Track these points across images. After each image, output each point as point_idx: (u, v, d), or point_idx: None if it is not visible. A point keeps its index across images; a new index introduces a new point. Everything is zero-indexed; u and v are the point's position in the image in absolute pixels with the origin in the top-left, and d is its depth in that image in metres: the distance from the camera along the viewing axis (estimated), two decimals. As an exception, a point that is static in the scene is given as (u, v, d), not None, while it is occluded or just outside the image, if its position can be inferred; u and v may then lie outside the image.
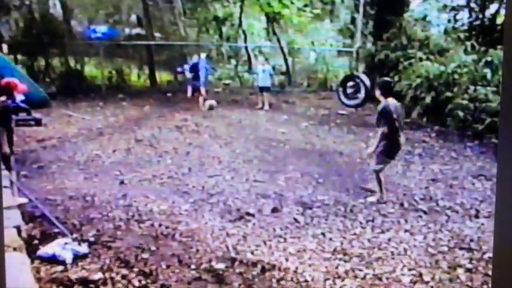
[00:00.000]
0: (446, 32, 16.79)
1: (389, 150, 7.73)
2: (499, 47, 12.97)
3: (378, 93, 7.71)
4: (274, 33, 22.37)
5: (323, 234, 6.62)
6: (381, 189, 7.80)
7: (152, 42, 20.76)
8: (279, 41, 22.05)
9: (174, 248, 5.97)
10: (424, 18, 17.44)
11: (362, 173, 9.29)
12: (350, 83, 15.08)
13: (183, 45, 21.58)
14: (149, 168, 9.29)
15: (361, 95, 14.75)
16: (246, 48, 22.96)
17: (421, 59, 13.76)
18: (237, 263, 5.64)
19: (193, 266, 5.50)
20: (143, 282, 5.11)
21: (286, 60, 21.94)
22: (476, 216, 7.29)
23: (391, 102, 7.54)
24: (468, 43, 14.00)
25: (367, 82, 14.84)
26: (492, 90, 11.25)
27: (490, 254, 6.07)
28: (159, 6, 22.83)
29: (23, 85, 7.61)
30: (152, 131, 12.06)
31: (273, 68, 17.11)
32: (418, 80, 12.81)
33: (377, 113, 7.78)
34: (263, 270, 5.49)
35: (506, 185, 2.28)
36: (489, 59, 12.15)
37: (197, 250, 5.94)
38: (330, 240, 6.45)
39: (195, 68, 15.47)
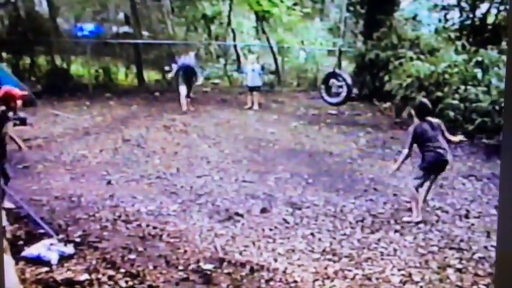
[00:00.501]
0: (436, 31, 16.86)
1: (423, 164, 7.37)
2: (490, 47, 13.07)
3: (413, 113, 7.64)
4: (264, 32, 22.37)
5: (312, 234, 6.65)
6: (416, 207, 7.28)
7: (140, 41, 20.70)
8: (268, 40, 22.06)
9: (161, 249, 5.98)
10: (414, 17, 17.53)
11: (352, 173, 9.33)
12: (332, 81, 15.25)
13: (171, 44, 21.54)
14: (137, 169, 9.28)
15: (343, 93, 14.90)
16: (235, 47, 22.95)
17: (411, 59, 13.81)
18: (225, 263, 5.66)
19: (181, 267, 5.52)
20: (130, 283, 5.12)
21: (275, 60, 21.95)
22: (466, 217, 7.35)
23: (423, 123, 7.29)
24: (459, 43, 14.07)
25: (349, 80, 14.98)
26: (482, 90, 11.32)
27: (480, 254, 6.14)
28: (147, 4, 22.76)
29: (23, 92, 7.40)
30: (140, 130, 12.03)
31: (262, 67, 17.10)
32: (409, 80, 12.85)
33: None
34: (252, 270, 5.51)
35: (509, 187, 2.29)
36: (480, 59, 12.22)
37: (185, 251, 5.96)
38: (319, 240, 6.49)
39: (185, 71, 15.24)
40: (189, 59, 15.65)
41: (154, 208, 7.32)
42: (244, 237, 6.48)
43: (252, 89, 15.66)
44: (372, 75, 15.64)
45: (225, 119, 13.73)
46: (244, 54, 22.44)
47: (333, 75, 15.49)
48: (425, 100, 8.09)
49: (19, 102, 6.96)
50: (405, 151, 7.31)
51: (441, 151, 7.13)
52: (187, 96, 14.82)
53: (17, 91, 7.15)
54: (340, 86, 14.94)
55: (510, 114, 2.26)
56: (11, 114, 6.88)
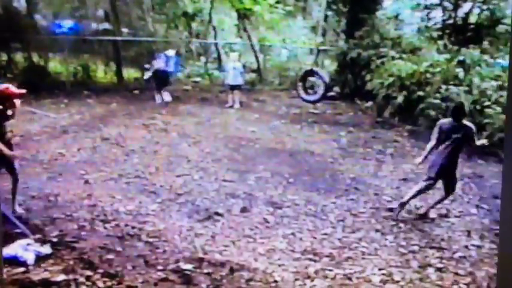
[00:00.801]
0: (419, 30, 17.00)
1: (431, 166, 7.42)
2: (472, 46, 13.21)
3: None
4: (245, 30, 22.36)
5: (293, 234, 6.67)
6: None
7: (119, 38, 20.56)
8: (250, 38, 22.05)
9: (140, 249, 5.96)
10: (397, 16, 17.64)
11: (333, 172, 9.36)
12: (309, 79, 15.39)
13: (151, 41, 21.44)
14: (115, 168, 9.22)
15: (320, 90, 15.03)
16: (216, 45, 22.93)
17: (393, 58, 13.92)
18: (205, 263, 5.66)
19: (160, 267, 5.51)
20: (108, 283, 5.10)
21: (257, 58, 21.95)
22: (447, 216, 7.43)
23: (449, 121, 7.31)
24: (441, 42, 14.21)
25: (326, 78, 15.09)
26: (464, 89, 11.42)
27: (461, 253, 6.22)
28: (127, 0, 22.64)
29: (20, 90, 7.14)
30: (119, 129, 11.97)
31: (244, 65, 17.10)
32: (390, 79, 12.95)
33: None
34: (232, 270, 5.52)
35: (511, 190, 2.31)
36: (461, 58, 12.35)
37: (164, 251, 5.94)
38: (300, 240, 6.51)
39: (159, 77, 15.13)
40: (162, 62, 15.45)
41: (133, 208, 7.29)
42: (224, 237, 6.48)
43: (233, 87, 15.66)
44: (354, 74, 15.74)
45: (206, 118, 13.71)
46: (225, 53, 22.43)
47: (310, 73, 15.63)
48: (461, 102, 8.04)
49: (17, 102, 6.75)
50: (431, 142, 7.37)
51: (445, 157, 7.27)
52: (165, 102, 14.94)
53: (14, 89, 6.84)
54: (317, 84, 15.08)
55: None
56: (9, 112, 6.70)
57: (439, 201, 7.49)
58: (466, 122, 7.22)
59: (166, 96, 15.26)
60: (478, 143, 7.36)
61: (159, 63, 15.34)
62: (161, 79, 15.14)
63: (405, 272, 5.70)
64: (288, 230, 6.77)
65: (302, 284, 5.35)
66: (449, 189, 7.36)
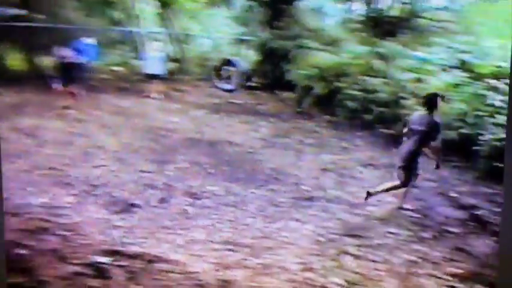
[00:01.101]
0: (340, 22, 17.29)
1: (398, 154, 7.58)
2: (391, 39, 13.56)
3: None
4: (167, 19, 22.09)
5: (213, 225, 6.67)
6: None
7: (34, 24, 19.89)
8: (171, 27, 21.81)
9: (54, 243, 5.80)
10: (318, 8, 17.86)
11: (253, 162, 9.42)
12: (225, 68, 15.48)
13: (67, 28, 20.84)
14: (28, 159, 8.92)
15: (235, 79, 15.15)
16: (137, 33, 22.55)
17: (314, 49, 14.11)
18: (122, 256, 5.57)
19: (75, 261, 5.37)
20: (20, 279, 4.93)
21: (178, 47, 21.75)
22: (365, 205, 7.62)
23: (421, 112, 7.39)
24: (361, 34, 14.51)
25: (242, 67, 15.21)
26: (383, 81, 11.71)
27: (378, 241, 6.40)
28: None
29: None
30: (31, 119, 11.58)
31: (164, 55, 16.89)
32: (310, 70, 13.13)
33: None
34: (150, 262, 5.46)
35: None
36: (381, 50, 12.65)
37: (80, 244, 5.81)
38: (219, 231, 6.52)
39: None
40: (69, 51, 14.74)
41: (46, 200, 7.08)
42: (142, 229, 6.40)
43: (153, 76, 15.46)
44: (274, 64, 15.84)
45: (124, 107, 13.47)
46: (146, 41, 22.10)
47: (227, 62, 15.73)
48: (437, 92, 7.83)
49: None
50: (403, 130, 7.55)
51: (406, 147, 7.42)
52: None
53: None
54: (233, 74, 15.19)
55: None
56: None
57: (408, 191, 7.64)
58: (436, 117, 7.21)
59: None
60: (433, 144, 7.34)
61: (65, 52, 14.56)
62: (67, 70, 14.35)
63: (323, 260, 5.81)
64: (208, 221, 6.77)
65: (222, 275, 5.36)
66: (406, 179, 7.46)
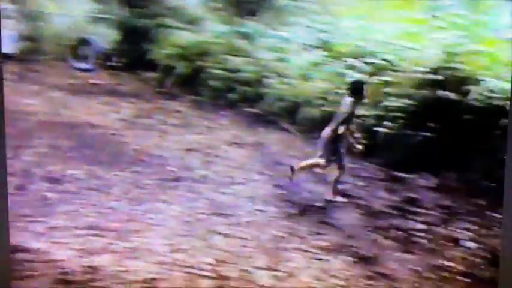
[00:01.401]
0: (201, 1, 17.22)
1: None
2: (253, 17, 13.73)
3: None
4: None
5: (76, 210, 6.49)
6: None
7: None
8: (23, 4, 20.68)
9: None
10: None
11: (116, 144, 9.22)
12: (82, 47, 15.03)
13: None
14: None
15: (93, 59, 14.77)
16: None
17: (175, 28, 13.99)
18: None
19: None
20: None
21: (32, 26, 20.70)
22: (232, 183, 7.74)
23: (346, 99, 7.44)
24: (224, 13, 14.56)
25: (100, 47, 14.84)
26: (245, 60, 11.85)
27: (247, 219, 6.55)
28: None
29: None
30: None
31: (16, 33, 15.99)
32: (172, 49, 13.01)
33: None
34: (11, 253, 5.22)
35: None
36: (243, 29, 12.78)
37: None
38: (83, 216, 6.35)
39: None
40: None
41: None
42: (-2, 218, 6.09)
43: (5, 56, 14.60)
44: (135, 43, 15.54)
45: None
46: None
47: (84, 41, 15.23)
48: (361, 79, 8.02)
49: None
50: None
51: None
52: None
53: None
54: (89, 53, 14.76)
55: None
56: None
57: (337, 181, 7.65)
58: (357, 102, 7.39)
59: None
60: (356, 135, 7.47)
61: None
62: None
63: (192, 241, 5.86)
64: (70, 207, 6.56)
65: (87, 261, 5.24)
66: (338, 167, 7.57)
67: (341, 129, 7.12)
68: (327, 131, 7.47)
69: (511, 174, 2.65)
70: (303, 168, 7.77)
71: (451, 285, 5.58)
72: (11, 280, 4.75)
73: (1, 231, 2.88)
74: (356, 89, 7.47)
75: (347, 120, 7.30)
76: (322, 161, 7.57)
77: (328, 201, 7.53)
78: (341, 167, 7.59)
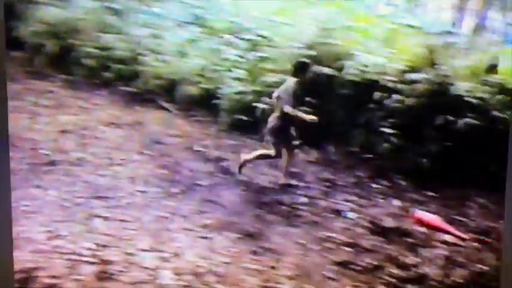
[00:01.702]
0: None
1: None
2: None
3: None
4: None
5: None
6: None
7: None
8: None
9: None
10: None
11: None
12: None
13: None
14: None
15: None
16: None
17: (41, 3, 13.35)
18: None
19: None
20: None
21: None
22: (110, 165, 7.57)
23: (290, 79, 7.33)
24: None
25: None
26: (118, 37, 11.55)
27: (128, 200, 6.44)
28: None
29: None
30: None
31: None
32: (40, 26, 12.43)
33: None
34: None
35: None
36: (114, 5, 12.39)
37: None
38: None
39: None
40: None
41: None
42: None
43: None
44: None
45: None
46: None
47: None
48: (305, 60, 7.73)
49: None
50: None
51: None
52: None
53: None
54: None
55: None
56: None
57: (288, 164, 7.64)
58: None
59: None
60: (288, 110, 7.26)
61: None
62: None
63: (71, 226, 5.68)
64: None
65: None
66: (289, 150, 7.55)
67: (288, 109, 7.14)
68: (273, 119, 7.47)
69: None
70: (248, 161, 7.73)
71: (336, 255, 5.79)
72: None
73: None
74: (300, 69, 7.50)
75: (292, 100, 7.29)
76: (271, 152, 7.54)
77: (283, 185, 7.58)
78: (292, 150, 7.68)
